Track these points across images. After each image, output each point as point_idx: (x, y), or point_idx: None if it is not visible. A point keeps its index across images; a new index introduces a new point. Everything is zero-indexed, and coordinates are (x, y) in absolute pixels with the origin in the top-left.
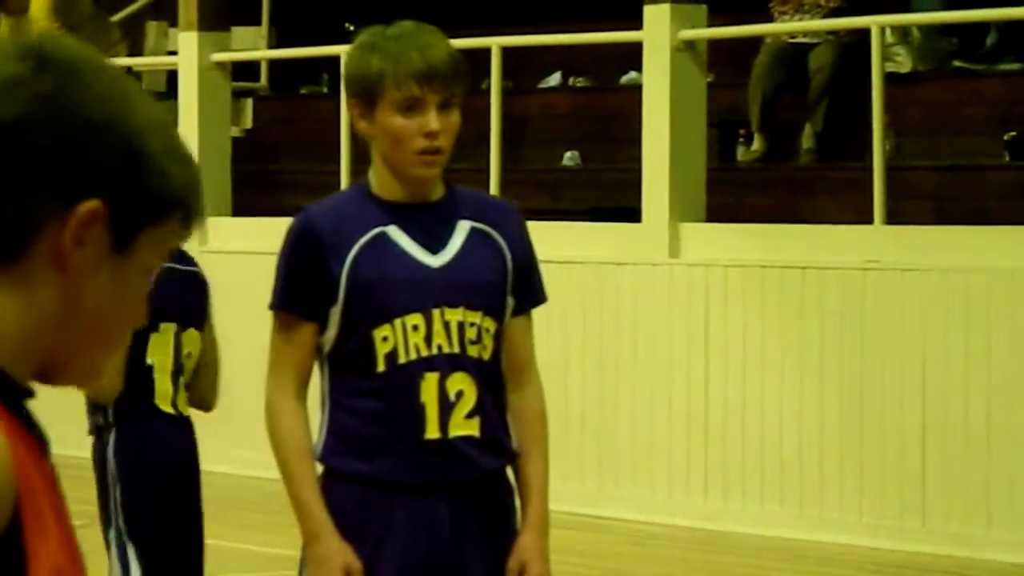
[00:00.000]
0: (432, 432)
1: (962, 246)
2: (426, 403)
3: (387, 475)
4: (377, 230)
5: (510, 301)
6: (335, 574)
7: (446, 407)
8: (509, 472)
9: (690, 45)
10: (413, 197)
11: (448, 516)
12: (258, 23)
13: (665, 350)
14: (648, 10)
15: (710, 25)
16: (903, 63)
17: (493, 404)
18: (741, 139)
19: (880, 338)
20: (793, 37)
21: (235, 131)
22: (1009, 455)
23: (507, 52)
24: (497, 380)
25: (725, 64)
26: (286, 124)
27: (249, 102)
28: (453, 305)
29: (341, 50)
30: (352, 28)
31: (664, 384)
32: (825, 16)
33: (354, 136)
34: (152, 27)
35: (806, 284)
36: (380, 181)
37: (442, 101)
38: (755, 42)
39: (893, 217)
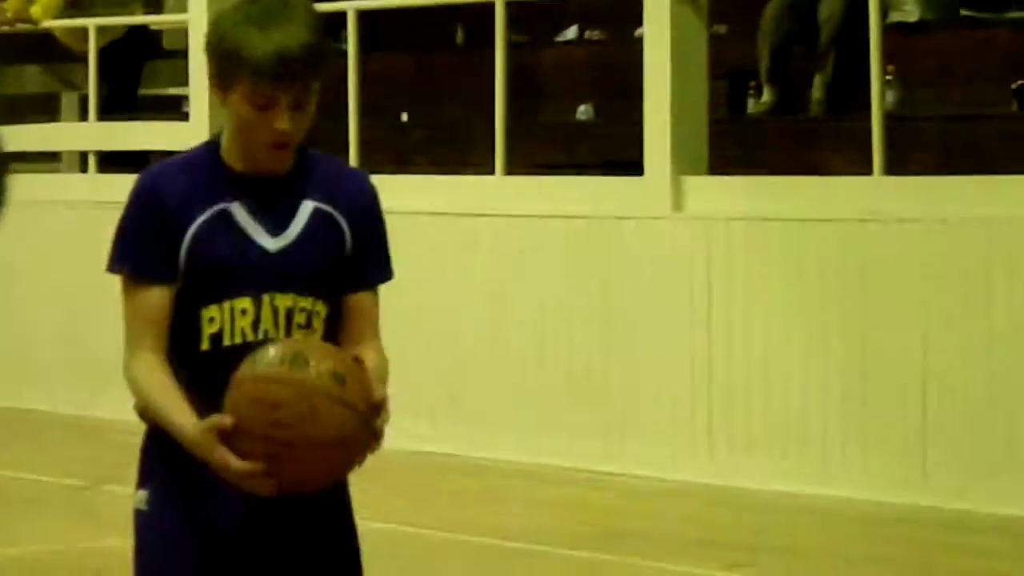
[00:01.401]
0: None
1: (963, 196)
2: None
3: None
4: (220, 206)
5: (349, 280)
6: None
7: None
8: None
9: None
10: (261, 171)
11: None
12: None
13: (668, 304)
14: None
15: None
16: (911, 12)
17: None
18: (751, 91)
19: (881, 290)
20: None
21: None
22: (1010, 407)
23: (523, 6)
24: None
25: (737, 15)
26: None
27: None
28: (284, 291)
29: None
30: None
31: (668, 339)
32: None
33: (363, 90)
34: None
35: (807, 236)
36: (229, 149)
37: (294, 100)
38: None
39: (901, 168)
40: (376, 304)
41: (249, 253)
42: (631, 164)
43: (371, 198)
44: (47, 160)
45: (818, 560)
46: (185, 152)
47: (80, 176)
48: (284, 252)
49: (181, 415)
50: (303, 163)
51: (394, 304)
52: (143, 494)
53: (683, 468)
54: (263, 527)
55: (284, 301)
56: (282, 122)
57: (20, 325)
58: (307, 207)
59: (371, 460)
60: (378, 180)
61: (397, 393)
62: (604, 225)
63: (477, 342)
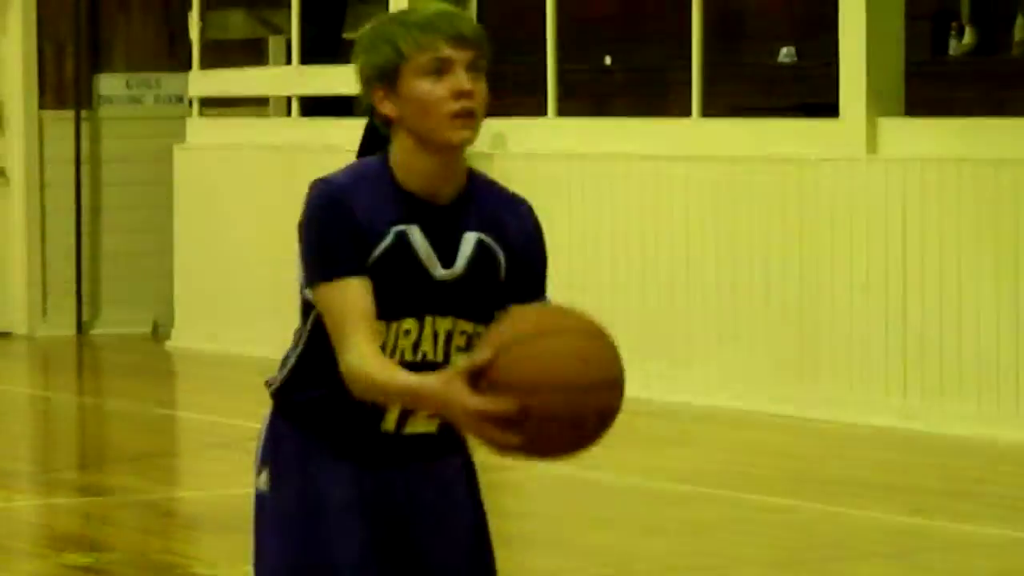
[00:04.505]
0: (388, 425)
1: None
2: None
3: (337, 450)
4: (399, 229)
5: (506, 302)
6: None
7: (408, 409)
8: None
9: None
10: (433, 189)
11: (402, 482)
12: None
13: (862, 246)
14: None
15: None
16: None
17: None
18: (953, 32)
19: None
20: None
21: None
22: None
23: None
24: None
25: None
26: None
27: None
28: (444, 315)
29: None
30: None
31: (862, 281)
32: None
33: (566, 32)
34: None
35: (1000, 178)
36: (402, 164)
37: (471, 62)
38: None
39: None
40: None
41: (421, 280)
42: (830, 107)
43: (532, 228)
44: (257, 105)
45: (1009, 504)
46: (353, 164)
47: (283, 120)
48: (449, 281)
49: (408, 377)
50: (469, 189)
51: (591, 246)
52: (264, 476)
53: (876, 412)
54: (378, 510)
55: (444, 324)
56: (462, 82)
57: (229, 269)
58: (470, 239)
59: None
60: (575, 123)
61: None
62: (799, 167)
63: (672, 284)
